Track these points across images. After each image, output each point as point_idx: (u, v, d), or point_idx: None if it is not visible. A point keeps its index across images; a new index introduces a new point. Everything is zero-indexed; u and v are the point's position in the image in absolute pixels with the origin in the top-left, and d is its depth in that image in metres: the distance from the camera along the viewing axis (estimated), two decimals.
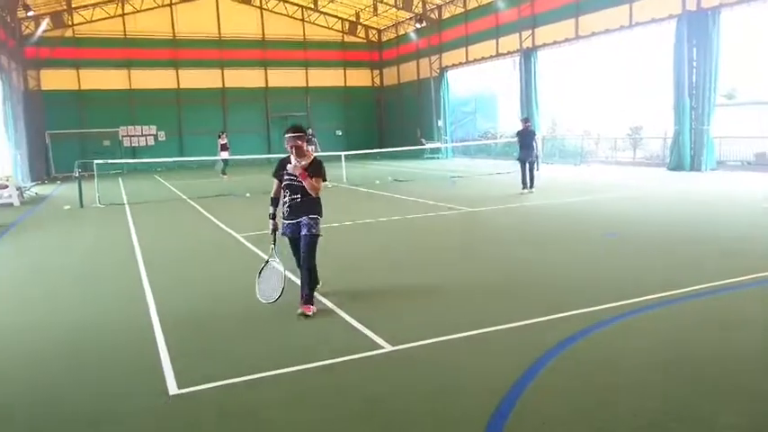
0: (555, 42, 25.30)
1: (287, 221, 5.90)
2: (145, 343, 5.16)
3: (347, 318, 5.58)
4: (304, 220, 5.79)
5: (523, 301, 5.94)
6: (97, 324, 5.86)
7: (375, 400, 3.87)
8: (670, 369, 4.18)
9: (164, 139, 34.50)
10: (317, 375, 4.33)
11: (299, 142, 5.82)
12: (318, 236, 5.87)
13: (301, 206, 5.82)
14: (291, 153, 5.82)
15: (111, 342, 5.33)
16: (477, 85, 33.03)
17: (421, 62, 35.88)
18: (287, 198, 5.88)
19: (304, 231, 5.77)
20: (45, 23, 29.99)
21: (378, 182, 19.46)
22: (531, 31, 26.50)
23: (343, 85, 39.34)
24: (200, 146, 33.15)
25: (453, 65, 32.80)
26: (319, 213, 5.92)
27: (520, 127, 15.88)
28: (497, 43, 29.09)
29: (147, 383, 4.30)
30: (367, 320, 5.41)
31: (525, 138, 15.36)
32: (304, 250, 5.78)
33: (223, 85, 35.96)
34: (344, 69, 39.32)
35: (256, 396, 4.05)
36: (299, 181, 5.76)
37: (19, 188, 18.68)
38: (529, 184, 15.19)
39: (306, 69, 37.96)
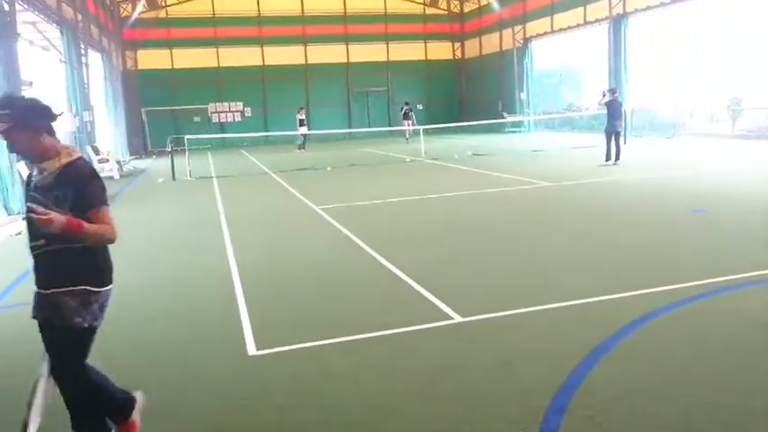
0: (648, 7, 23.89)
1: (36, 289, 2.92)
2: (227, 308, 5.46)
3: (419, 288, 5.66)
4: (54, 295, 2.82)
5: (600, 277, 5.81)
6: (185, 285, 6.27)
7: (442, 371, 3.94)
8: (750, 355, 3.98)
9: (250, 114, 35.65)
10: (386, 343, 4.45)
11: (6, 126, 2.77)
12: (83, 329, 2.84)
13: (49, 263, 2.85)
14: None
15: (198, 305, 5.69)
16: (563, 56, 31.78)
17: (504, 33, 34.91)
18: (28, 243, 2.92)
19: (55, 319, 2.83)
20: (141, 5, 31.53)
21: (457, 156, 19.31)
22: None
23: (424, 58, 38.98)
24: (284, 121, 34.06)
25: (538, 35, 31.72)
26: (91, 281, 2.89)
27: (606, 98, 15.25)
28: (585, 10, 27.81)
29: (228, 344, 4.58)
30: (438, 291, 5.47)
31: (614, 109, 14.84)
32: (52, 352, 2.88)
33: (306, 61, 36.56)
34: (425, 42, 38.92)
35: (326, 361, 4.22)
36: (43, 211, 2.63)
37: (118, 162, 19.98)
38: (614, 157, 14.66)
39: (386, 43, 37.88)
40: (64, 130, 18.08)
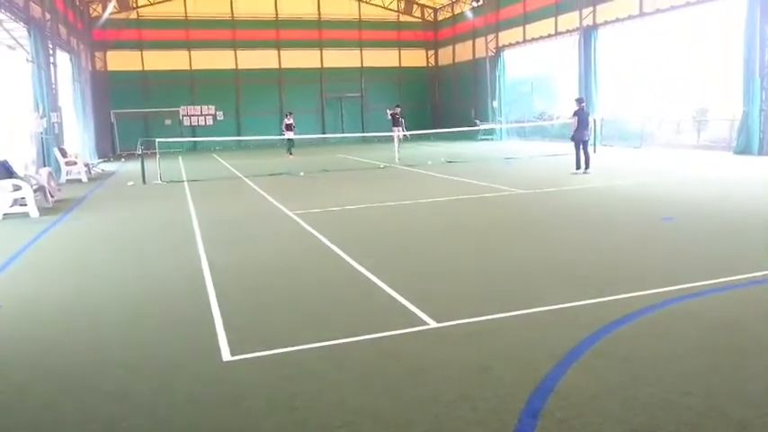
0: (617, 20, 24.46)
1: None
2: (200, 313, 5.40)
3: (393, 293, 5.67)
4: None
5: (572, 283, 5.89)
6: (157, 289, 6.17)
7: (418, 375, 3.95)
8: (716, 358, 4.09)
9: (222, 118, 35.36)
10: (362, 348, 4.44)
11: None
12: None
13: None
14: None
15: (170, 311, 5.61)
16: (534, 65, 32.28)
17: (477, 42, 35.34)
18: None
19: None
20: (111, 6, 31.05)
21: (430, 162, 19.43)
22: (591, 8, 25.70)
23: (397, 65, 39.21)
24: (257, 126, 33.90)
25: (510, 44, 32.18)
26: None
27: (575, 108, 15.48)
28: (556, 21, 28.33)
29: (202, 350, 4.52)
30: (413, 297, 5.49)
31: (581, 119, 15.10)
32: None
33: (279, 65, 36.44)
34: (399, 49, 39.15)
35: (302, 366, 4.20)
36: None
37: (86, 165, 19.59)
38: (584, 166, 14.92)
39: (360, 50, 37.99)
40: (30, 131, 17.69)
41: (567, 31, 27.54)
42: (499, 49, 32.93)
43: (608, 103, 26.36)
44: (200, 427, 3.43)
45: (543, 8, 29.17)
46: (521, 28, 31.02)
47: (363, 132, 34.77)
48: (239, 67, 35.56)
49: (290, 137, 25.30)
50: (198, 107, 34.96)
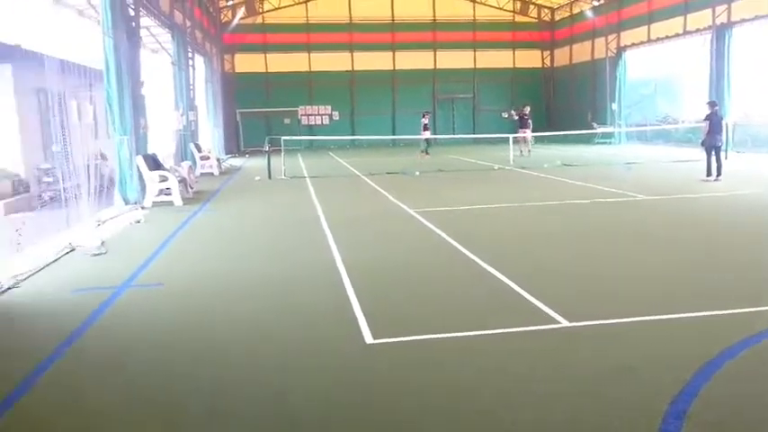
0: (756, 17, 22.74)
1: None
2: (340, 301, 5.81)
3: (521, 291, 5.79)
4: None
5: (706, 293, 5.74)
6: (297, 279, 6.69)
7: (555, 370, 4.08)
8: None
9: (338, 118, 36.60)
10: (496, 342, 4.63)
11: None
12: None
13: None
14: None
15: (311, 296, 6.08)
16: (659, 66, 30.65)
17: (596, 42, 34.13)
18: None
19: None
20: (241, 12, 33.14)
21: (546, 165, 19.12)
22: (726, 6, 24.06)
23: (511, 66, 38.68)
24: (370, 126, 34.80)
25: (633, 44, 30.79)
26: None
27: (707, 111, 14.66)
28: (685, 20, 26.78)
29: (346, 333, 4.90)
30: (541, 296, 5.58)
31: (714, 123, 14.29)
32: None
33: (394, 67, 37.12)
34: (513, 50, 38.61)
35: (435, 353, 4.46)
36: None
37: (218, 160, 21.11)
38: (716, 173, 14.12)
39: (474, 51, 37.87)
40: (171, 128, 19.36)
41: (698, 30, 25.94)
42: (620, 50, 31.62)
43: (741, 106, 24.58)
44: (353, 402, 3.77)
45: (671, 6, 27.67)
46: (645, 27, 29.61)
47: (474, 134, 34.68)
48: (355, 69, 36.61)
49: (427, 137, 25.28)
50: (315, 107, 36.42)
